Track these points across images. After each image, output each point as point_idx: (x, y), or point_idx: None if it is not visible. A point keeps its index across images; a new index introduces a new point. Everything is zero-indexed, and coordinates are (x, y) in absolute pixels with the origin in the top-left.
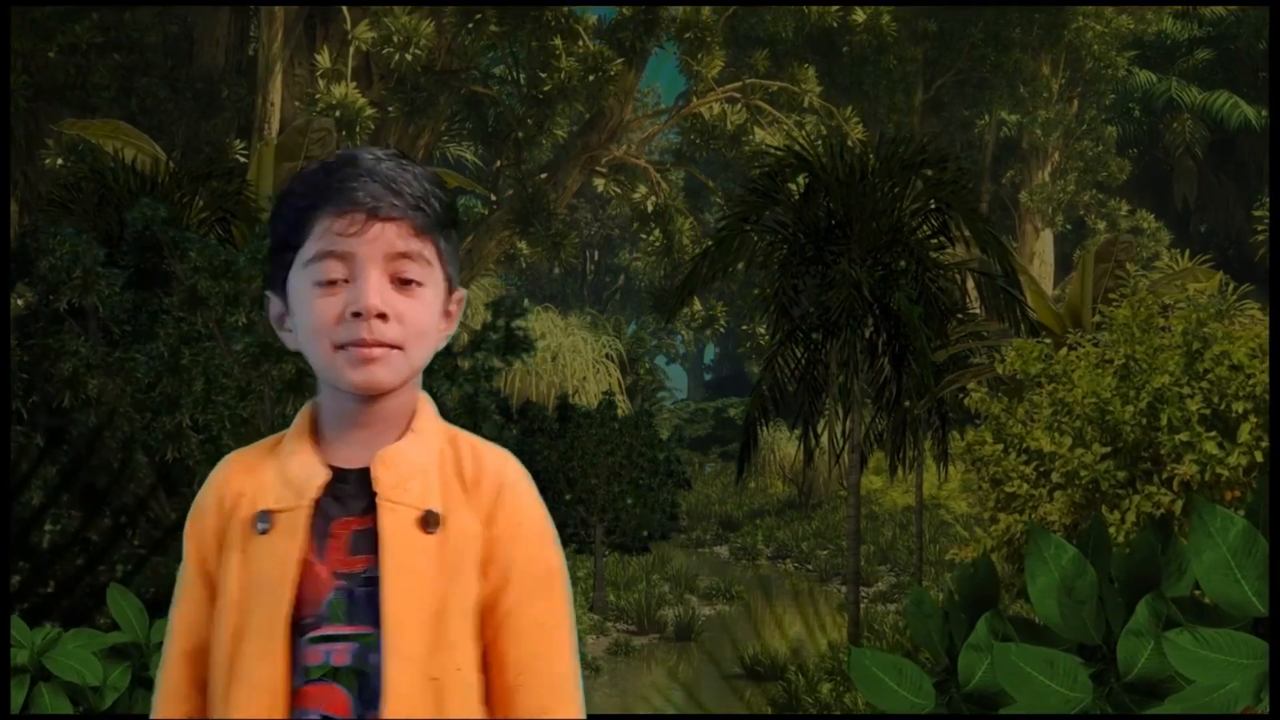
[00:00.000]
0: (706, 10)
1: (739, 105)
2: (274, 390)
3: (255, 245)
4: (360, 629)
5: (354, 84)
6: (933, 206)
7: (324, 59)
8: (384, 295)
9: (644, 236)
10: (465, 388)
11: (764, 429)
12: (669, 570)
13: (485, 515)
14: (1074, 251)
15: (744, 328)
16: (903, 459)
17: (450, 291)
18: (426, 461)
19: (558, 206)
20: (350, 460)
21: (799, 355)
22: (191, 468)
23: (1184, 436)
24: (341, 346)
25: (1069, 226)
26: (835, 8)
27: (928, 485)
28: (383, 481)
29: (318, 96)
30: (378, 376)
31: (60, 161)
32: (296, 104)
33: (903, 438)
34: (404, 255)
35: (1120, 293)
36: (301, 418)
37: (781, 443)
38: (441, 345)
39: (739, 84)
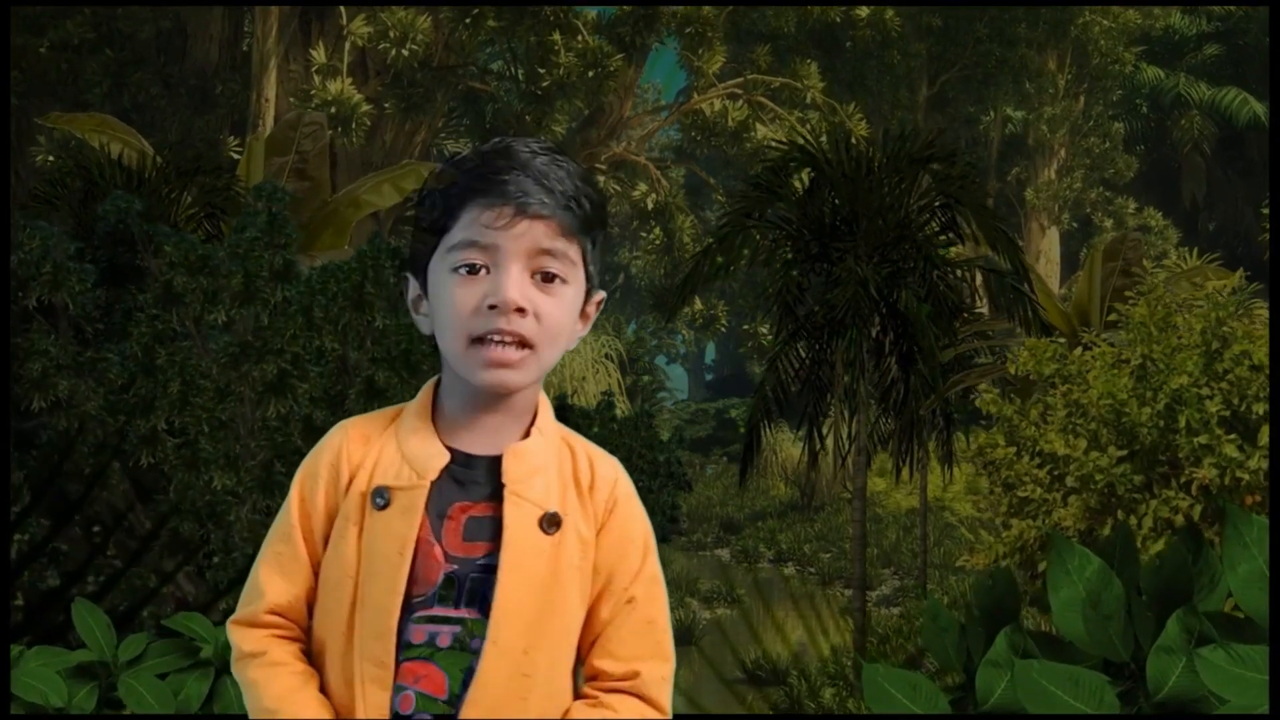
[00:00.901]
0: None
1: (740, 101)
2: (254, 392)
3: (234, 239)
4: (467, 614)
5: (350, 80)
6: (940, 202)
7: (319, 54)
8: (524, 290)
9: (644, 235)
10: None
11: (767, 431)
12: (669, 573)
13: (598, 524)
14: (1080, 250)
15: (745, 327)
16: (909, 461)
17: (590, 293)
18: (549, 461)
19: None
20: (472, 446)
21: (803, 355)
22: (167, 473)
23: (1203, 439)
24: (476, 340)
25: (1075, 224)
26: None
27: (932, 487)
28: (511, 474)
29: (313, 93)
30: (509, 380)
31: (51, 158)
32: (291, 100)
33: (911, 440)
34: (548, 252)
35: (1137, 290)
36: (423, 395)
37: (784, 444)
38: (573, 345)
39: (740, 79)
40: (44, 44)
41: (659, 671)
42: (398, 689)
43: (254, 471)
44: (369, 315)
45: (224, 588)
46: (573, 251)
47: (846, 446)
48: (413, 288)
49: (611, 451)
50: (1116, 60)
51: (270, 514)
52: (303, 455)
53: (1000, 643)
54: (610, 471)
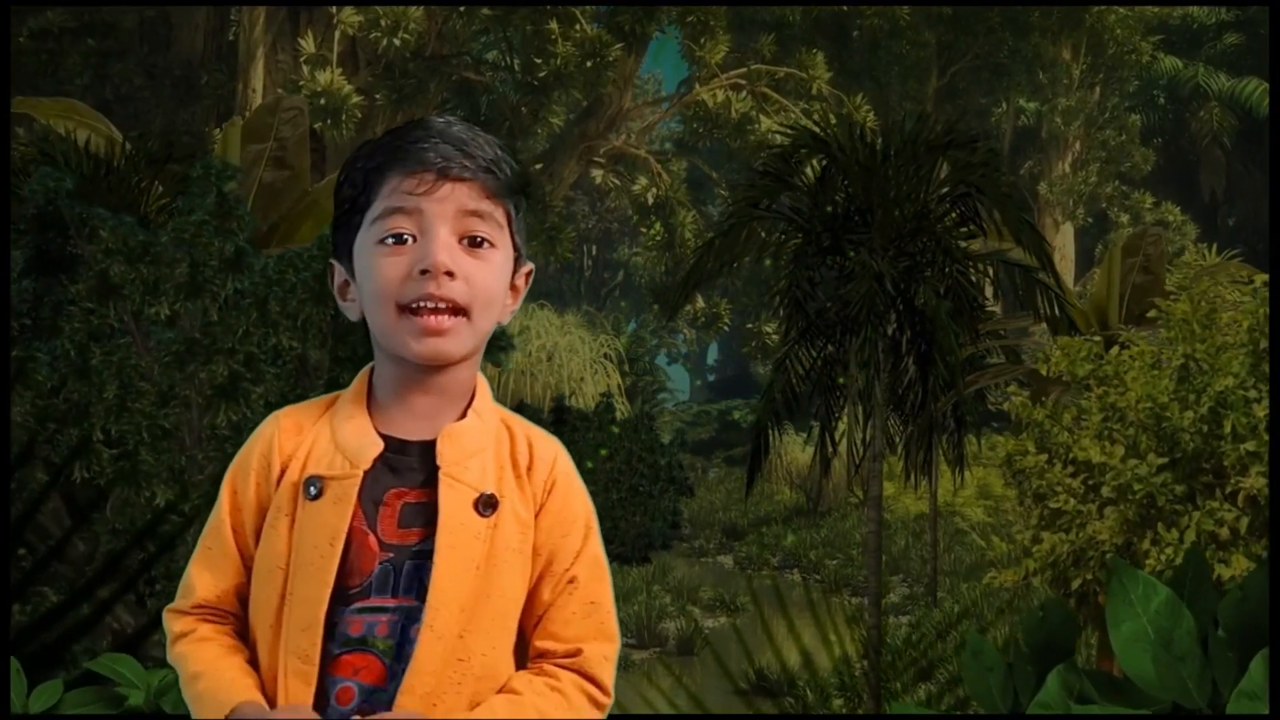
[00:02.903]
0: None
1: (744, 92)
2: (202, 396)
3: (179, 223)
4: (404, 601)
5: (340, 70)
6: (960, 191)
7: (308, 44)
8: (452, 254)
9: (644, 230)
10: None
11: (775, 434)
12: (670, 581)
13: (537, 505)
14: (1095, 246)
15: (749, 326)
16: (929, 466)
17: (518, 263)
18: (485, 444)
19: (553, 199)
20: (407, 431)
21: (815, 355)
22: (103, 488)
23: (1250, 446)
24: (407, 309)
25: (1090, 220)
26: None
27: (942, 491)
28: (446, 457)
29: (301, 83)
30: (443, 348)
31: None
32: (279, 91)
33: (929, 444)
34: (474, 214)
35: (1178, 284)
36: (358, 382)
37: (790, 447)
38: (506, 320)
39: (744, 70)
40: (23, 34)
41: (602, 650)
42: (337, 682)
43: (201, 487)
44: (332, 309)
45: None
46: (498, 214)
47: (860, 451)
48: (339, 274)
49: (611, 454)
50: (1133, 50)
51: None
52: None
53: (1052, 684)
54: (549, 451)
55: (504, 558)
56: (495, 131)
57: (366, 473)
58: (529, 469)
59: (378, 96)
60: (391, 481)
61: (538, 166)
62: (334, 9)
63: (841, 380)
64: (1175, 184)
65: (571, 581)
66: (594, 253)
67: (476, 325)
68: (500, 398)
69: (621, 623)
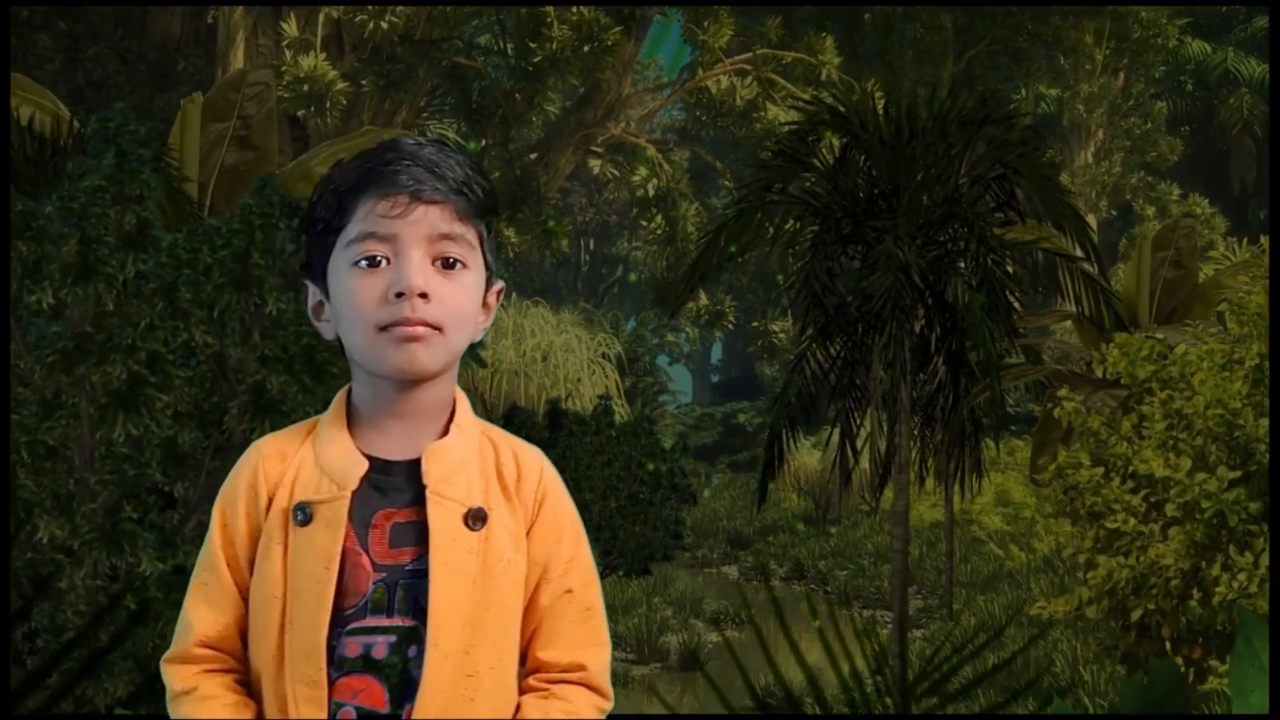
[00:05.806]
0: None
1: (749, 78)
2: (94, 405)
3: (68, 189)
4: (401, 621)
5: (324, 55)
6: (996, 173)
7: (291, 27)
8: (426, 276)
9: (644, 223)
10: None
11: (791, 443)
12: (672, 593)
13: (529, 518)
14: (1119, 240)
15: (755, 324)
16: (958, 474)
17: (489, 282)
18: (470, 458)
19: (549, 190)
20: (390, 451)
21: (833, 354)
22: None
23: None
24: (384, 328)
25: (1114, 212)
26: None
27: (956, 498)
28: (432, 475)
29: (284, 69)
30: (419, 358)
31: None
32: None
33: (961, 452)
34: (447, 237)
35: (1251, 275)
36: (337, 404)
37: (798, 451)
38: (478, 337)
39: (749, 55)
40: None
41: (602, 659)
42: (337, 705)
43: (95, 518)
44: (256, 297)
45: (52, 683)
46: (470, 235)
47: (881, 459)
48: (313, 294)
49: (608, 461)
50: (1159, 33)
51: (117, 578)
52: (163, 494)
53: None
54: (535, 462)
55: (498, 569)
56: (488, 119)
57: (354, 494)
58: (517, 482)
59: (364, 83)
60: (379, 503)
61: (532, 156)
62: None
63: (860, 381)
64: (1203, 175)
65: (569, 591)
66: (591, 247)
67: (450, 340)
68: (494, 399)
69: (621, 637)
